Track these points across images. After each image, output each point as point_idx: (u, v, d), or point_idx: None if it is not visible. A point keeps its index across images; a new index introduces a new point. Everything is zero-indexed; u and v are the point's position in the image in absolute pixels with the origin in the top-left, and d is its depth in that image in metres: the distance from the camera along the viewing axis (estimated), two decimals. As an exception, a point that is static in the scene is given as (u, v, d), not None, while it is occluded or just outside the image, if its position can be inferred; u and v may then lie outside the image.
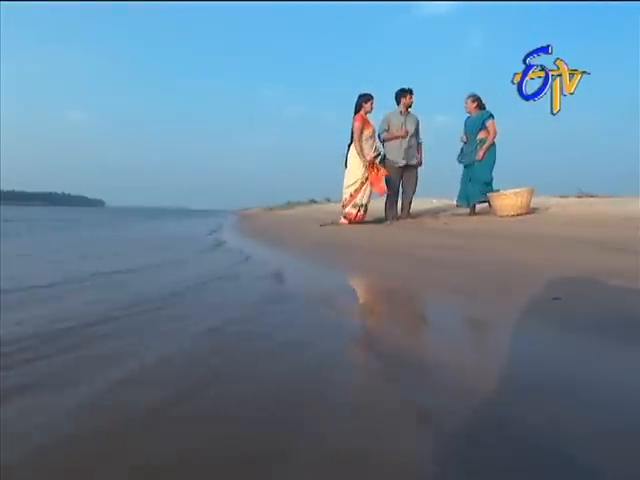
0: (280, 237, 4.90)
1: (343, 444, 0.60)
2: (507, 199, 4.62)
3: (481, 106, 5.13)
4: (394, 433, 0.63)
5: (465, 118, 5.32)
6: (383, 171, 5.13)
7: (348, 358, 1.01)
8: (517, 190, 4.64)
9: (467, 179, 5.19)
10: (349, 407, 0.73)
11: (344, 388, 0.81)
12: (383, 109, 5.59)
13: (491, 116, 5.03)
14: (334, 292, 1.78)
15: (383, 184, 5.11)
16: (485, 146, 4.97)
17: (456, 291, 1.68)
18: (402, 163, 5.23)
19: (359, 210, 5.17)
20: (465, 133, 5.23)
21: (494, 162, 5.08)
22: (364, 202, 5.17)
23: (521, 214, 4.52)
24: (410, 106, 5.27)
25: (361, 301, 1.69)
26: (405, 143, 5.22)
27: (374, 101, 5.16)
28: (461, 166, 5.35)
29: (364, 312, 1.49)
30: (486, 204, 5.13)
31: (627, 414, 0.69)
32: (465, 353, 1.00)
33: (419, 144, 5.39)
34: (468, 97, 5.19)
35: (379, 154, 5.22)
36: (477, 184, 5.05)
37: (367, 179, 5.10)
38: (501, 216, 4.59)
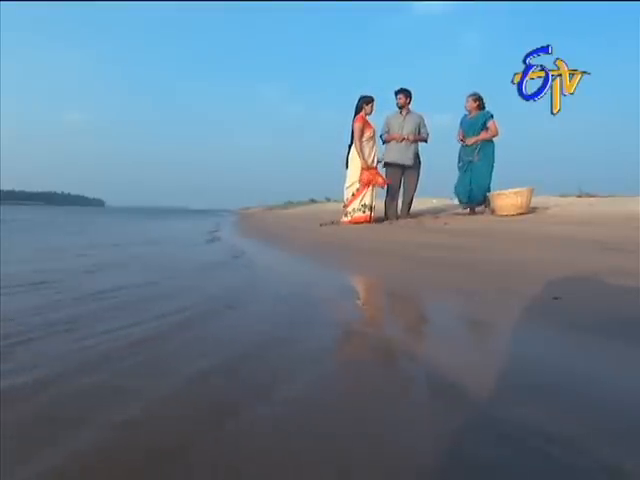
0: (281, 236, 4.90)
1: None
2: (507, 199, 4.62)
3: (482, 106, 5.09)
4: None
5: (462, 117, 5.29)
6: (378, 176, 5.15)
7: (344, 355, 1.01)
8: (517, 190, 4.64)
9: (466, 178, 5.14)
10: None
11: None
12: (381, 109, 5.60)
13: (492, 116, 5.01)
14: (336, 293, 1.78)
15: (379, 178, 5.13)
16: (480, 137, 4.95)
17: (456, 291, 1.68)
18: (400, 163, 5.25)
19: (371, 211, 5.17)
20: (463, 133, 5.20)
21: (493, 165, 5.07)
22: (373, 203, 5.18)
23: (521, 214, 4.52)
24: (403, 106, 5.27)
25: (361, 301, 1.69)
26: (401, 146, 5.23)
27: (375, 103, 5.20)
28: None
29: (364, 311, 1.49)
30: (486, 203, 5.12)
31: (627, 413, 0.70)
32: (463, 351, 1.01)
33: (425, 139, 5.37)
34: (470, 96, 5.11)
35: (379, 161, 5.25)
36: (478, 188, 5.03)
37: (368, 181, 5.10)
38: (501, 216, 4.59)
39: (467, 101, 5.13)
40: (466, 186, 5.12)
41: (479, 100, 5.08)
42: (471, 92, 5.14)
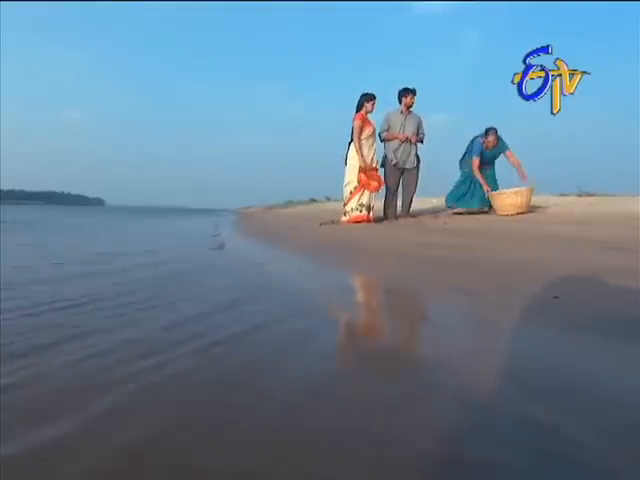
0: (281, 236, 4.90)
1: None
2: (507, 198, 4.62)
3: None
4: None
5: (475, 146, 5.13)
6: (375, 179, 5.13)
7: (342, 357, 1.02)
8: (517, 189, 4.65)
9: (480, 188, 5.11)
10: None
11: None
12: (382, 109, 5.60)
13: (508, 146, 5.10)
14: (335, 291, 1.78)
15: (374, 183, 5.12)
16: (523, 170, 5.01)
17: (456, 290, 1.68)
18: (400, 165, 5.24)
19: (369, 211, 5.15)
20: (483, 163, 5.18)
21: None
22: (372, 202, 5.17)
23: (521, 213, 4.52)
24: (411, 106, 5.27)
25: (360, 299, 1.69)
26: (403, 146, 5.22)
27: (376, 101, 5.19)
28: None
29: (364, 310, 1.49)
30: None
31: (627, 412, 0.70)
32: (463, 351, 1.01)
33: (422, 140, 5.37)
34: (491, 131, 5.02)
35: (378, 163, 5.25)
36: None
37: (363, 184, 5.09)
38: (501, 215, 4.60)
39: (489, 137, 5.02)
40: (481, 194, 5.14)
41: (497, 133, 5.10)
42: (489, 127, 5.06)
